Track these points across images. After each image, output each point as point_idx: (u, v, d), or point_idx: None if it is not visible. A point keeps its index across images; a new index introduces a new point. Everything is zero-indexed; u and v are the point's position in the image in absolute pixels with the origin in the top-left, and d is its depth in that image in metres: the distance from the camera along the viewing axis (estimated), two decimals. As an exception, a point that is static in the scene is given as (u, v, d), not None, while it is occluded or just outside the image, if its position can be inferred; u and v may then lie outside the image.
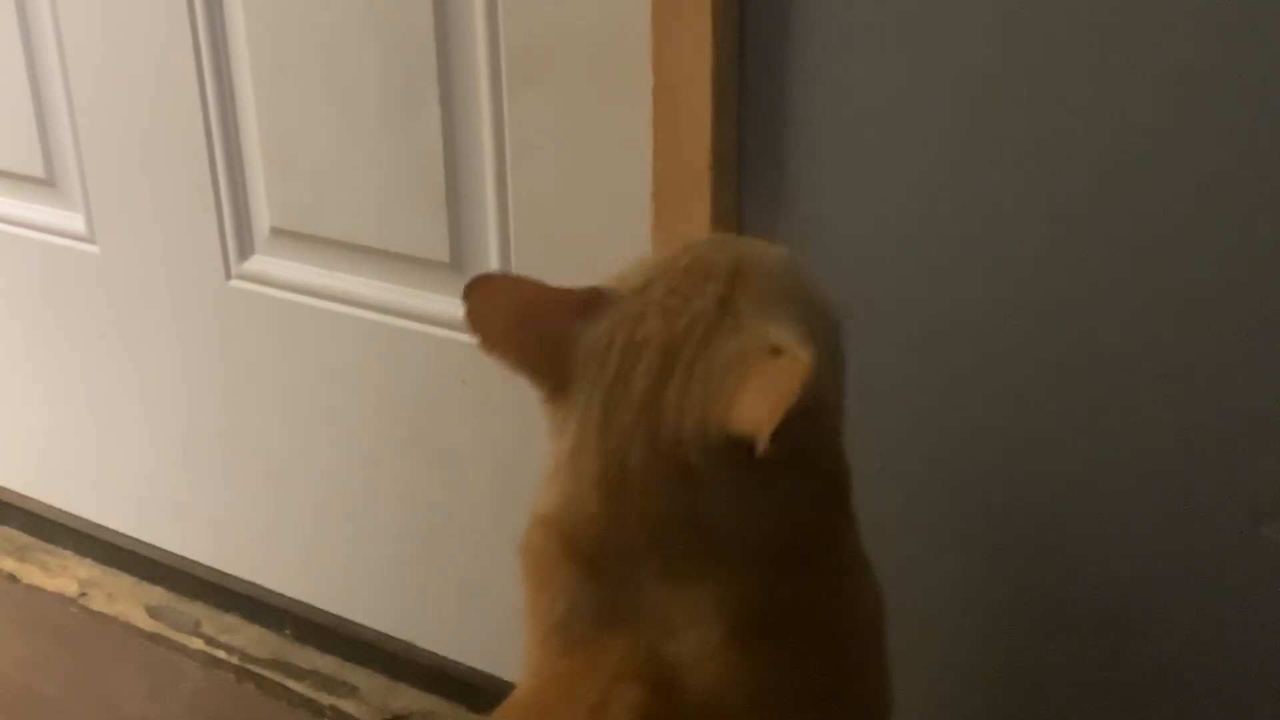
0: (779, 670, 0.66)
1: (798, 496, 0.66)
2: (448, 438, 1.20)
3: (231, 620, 1.44)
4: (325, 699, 1.33)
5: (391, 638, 1.33)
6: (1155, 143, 0.80)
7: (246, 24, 1.16)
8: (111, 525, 1.51)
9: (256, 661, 1.38)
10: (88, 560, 1.55)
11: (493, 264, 1.11)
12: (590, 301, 0.66)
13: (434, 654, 1.30)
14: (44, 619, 1.47)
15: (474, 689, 1.27)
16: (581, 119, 1.01)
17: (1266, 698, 0.89)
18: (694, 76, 0.90)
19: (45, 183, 1.38)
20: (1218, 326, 0.82)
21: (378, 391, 1.23)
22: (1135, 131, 0.81)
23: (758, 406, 0.59)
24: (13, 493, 1.60)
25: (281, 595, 1.40)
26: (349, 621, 1.36)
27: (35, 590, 1.51)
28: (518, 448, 1.14)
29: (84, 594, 1.50)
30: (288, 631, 1.41)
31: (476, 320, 0.67)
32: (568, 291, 0.67)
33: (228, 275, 1.28)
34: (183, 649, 1.41)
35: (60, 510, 1.56)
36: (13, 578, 1.53)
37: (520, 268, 1.09)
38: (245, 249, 1.27)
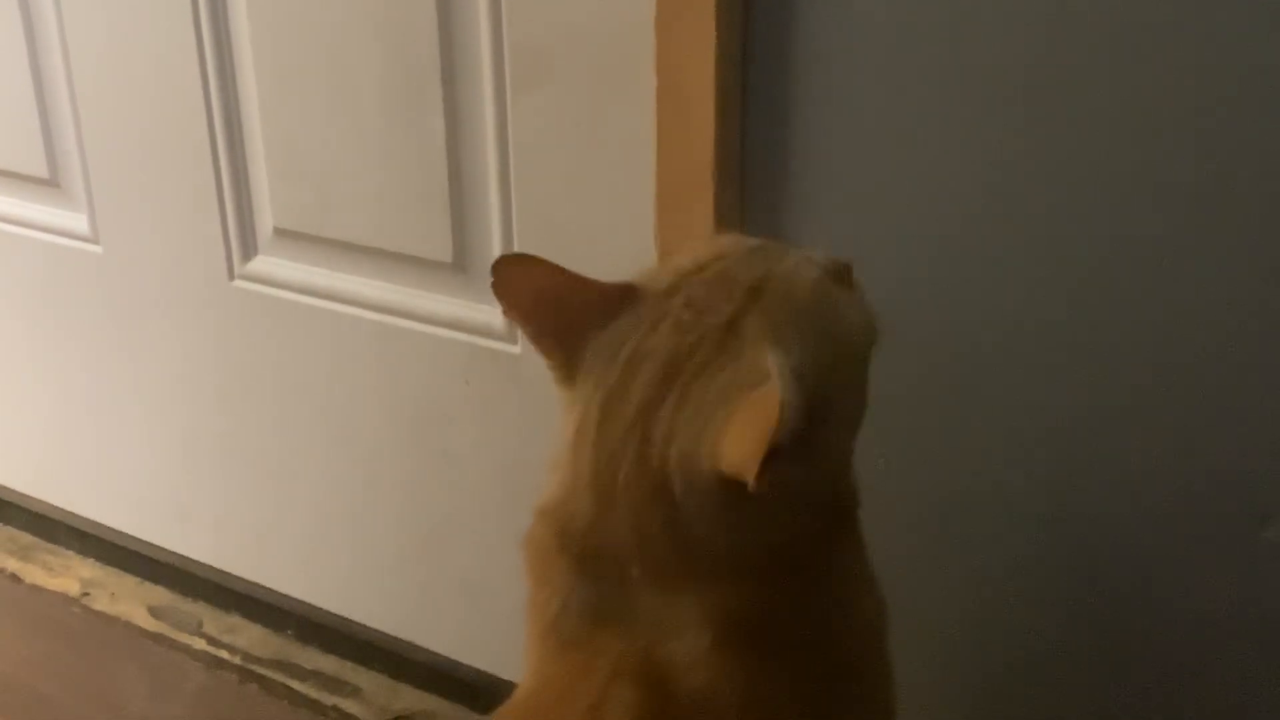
0: (770, 680, 0.65)
1: (788, 527, 0.65)
2: (450, 438, 1.20)
3: (234, 620, 1.44)
4: (328, 699, 1.33)
5: (393, 638, 1.33)
6: (1156, 142, 0.81)
7: (250, 24, 1.17)
8: (114, 525, 1.51)
9: (259, 661, 1.38)
10: (90, 560, 1.55)
11: (496, 264, 1.11)
12: (616, 297, 0.66)
13: (436, 654, 1.31)
14: (46, 619, 1.47)
15: (475, 689, 1.27)
16: (585, 119, 1.01)
17: (1267, 698, 0.89)
18: (697, 77, 0.91)
19: (49, 183, 1.38)
20: (1218, 327, 0.82)
21: (380, 391, 1.23)
22: (1136, 131, 0.81)
23: (742, 443, 0.58)
24: (15, 492, 1.60)
25: (284, 595, 1.40)
26: (351, 621, 1.36)
27: (37, 590, 1.51)
28: (519, 448, 1.14)
29: (86, 594, 1.50)
30: (290, 631, 1.41)
31: (503, 290, 0.67)
32: (598, 284, 0.67)
33: (231, 276, 1.28)
34: (185, 649, 1.41)
35: (63, 510, 1.56)
36: (15, 577, 1.53)
37: (523, 268, 1.09)
38: (248, 249, 1.27)
